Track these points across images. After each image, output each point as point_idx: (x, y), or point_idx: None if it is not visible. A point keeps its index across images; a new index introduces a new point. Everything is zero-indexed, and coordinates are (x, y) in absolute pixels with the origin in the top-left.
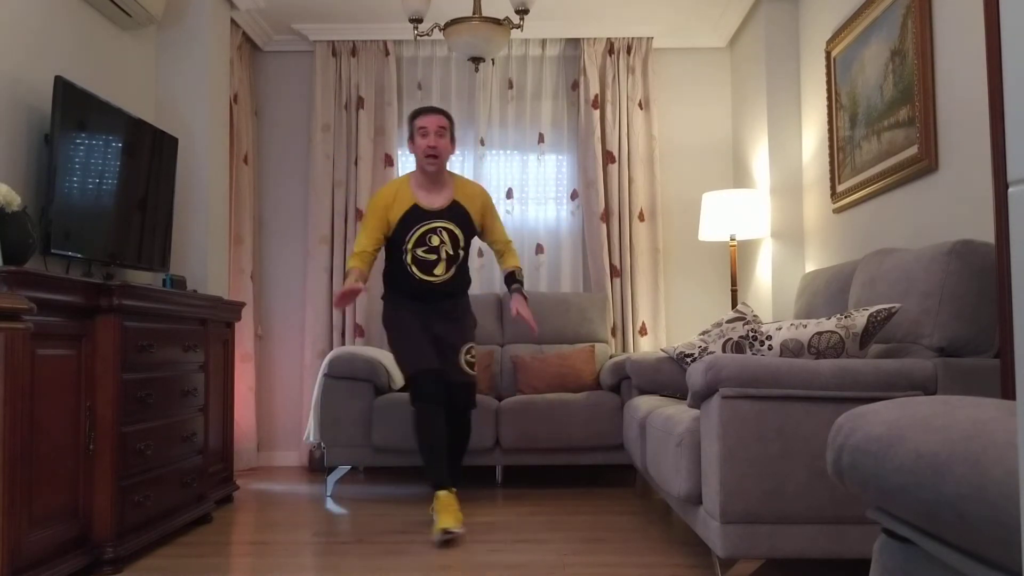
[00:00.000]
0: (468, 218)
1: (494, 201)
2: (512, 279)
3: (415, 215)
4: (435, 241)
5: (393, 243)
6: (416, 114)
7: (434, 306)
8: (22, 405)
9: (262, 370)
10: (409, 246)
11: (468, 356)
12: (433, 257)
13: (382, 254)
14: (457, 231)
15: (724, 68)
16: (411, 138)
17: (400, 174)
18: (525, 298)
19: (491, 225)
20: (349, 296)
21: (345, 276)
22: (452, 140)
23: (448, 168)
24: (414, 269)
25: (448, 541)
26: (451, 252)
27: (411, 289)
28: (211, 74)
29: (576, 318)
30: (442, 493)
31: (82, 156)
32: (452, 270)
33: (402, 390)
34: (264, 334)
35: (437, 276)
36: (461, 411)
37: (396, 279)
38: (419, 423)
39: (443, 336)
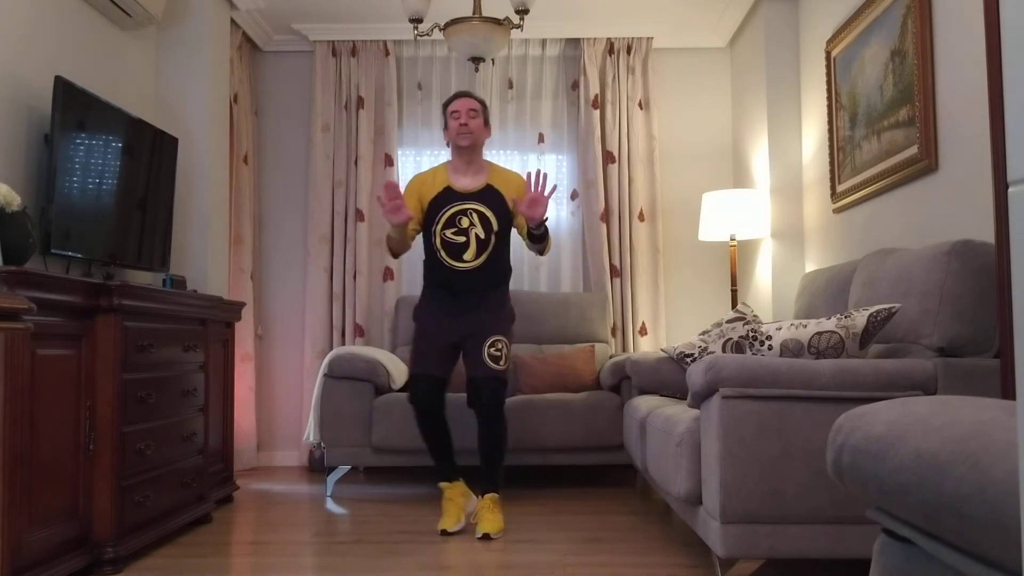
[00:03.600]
0: (502, 201)
1: None
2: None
3: (447, 196)
4: (464, 223)
5: (425, 228)
6: (448, 101)
7: (464, 299)
8: (22, 405)
9: (262, 370)
10: (438, 228)
11: (492, 349)
12: (462, 239)
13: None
14: (489, 214)
15: (724, 68)
16: (445, 127)
17: (400, 174)
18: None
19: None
20: (392, 200)
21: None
22: (487, 123)
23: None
24: (443, 255)
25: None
26: (482, 236)
27: (442, 279)
28: (211, 74)
29: (576, 318)
30: (443, 485)
31: (82, 156)
32: (483, 257)
33: (401, 390)
34: (264, 334)
35: (467, 262)
36: (486, 409)
37: (429, 270)
38: (418, 426)
39: (467, 331)
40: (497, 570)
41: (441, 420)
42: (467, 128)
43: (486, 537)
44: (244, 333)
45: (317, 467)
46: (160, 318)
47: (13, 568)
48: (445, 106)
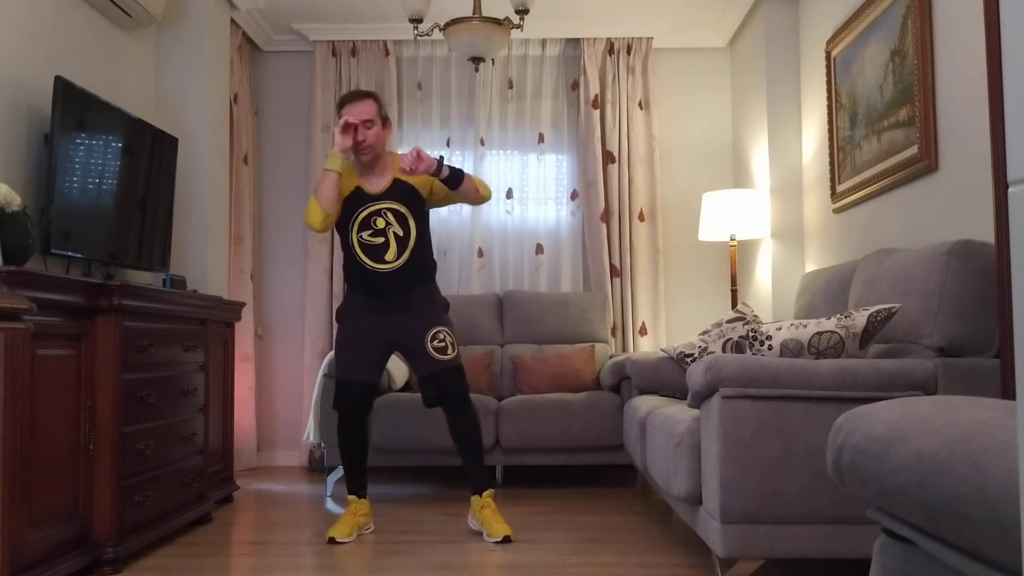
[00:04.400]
0: (413, 192)
1: (494, 200)
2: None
3: (358, 198)
4: (380, 223)
5: (340, 229)
6: (341, 103)
7: (390, 300)
8: (22, 405)
9: (262, 370)
10: (354, 231)
11: (435, 342)
12: (380, 240)
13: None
14: (403, 210)
15: (724, 68)
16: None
17: None
18: (439, 164)
19: (438, 187)
20: (348, 131)
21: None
22: (385, 122)
23: (392, 150)
24: (363, 258)
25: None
26: (400, 234)
27: (365, 281)
28: (211, 74)
29: (576, 318)
30: (351, 498)
31: (82, 156)
32: (405, 255)
33: (402, 390)
34: (264, 334)
35: (389, 263)
36: (453, 400)
37: (350, 272)
38: (337, 431)
39: (401, 332)
40: (497, 570)
41: (363, 429)
42: (366, 143)
43: (507, 540)
44: (244, 333)
45: (317, 467)
46: (160, 318)
47: (13, 568)
48: (339, 107)
